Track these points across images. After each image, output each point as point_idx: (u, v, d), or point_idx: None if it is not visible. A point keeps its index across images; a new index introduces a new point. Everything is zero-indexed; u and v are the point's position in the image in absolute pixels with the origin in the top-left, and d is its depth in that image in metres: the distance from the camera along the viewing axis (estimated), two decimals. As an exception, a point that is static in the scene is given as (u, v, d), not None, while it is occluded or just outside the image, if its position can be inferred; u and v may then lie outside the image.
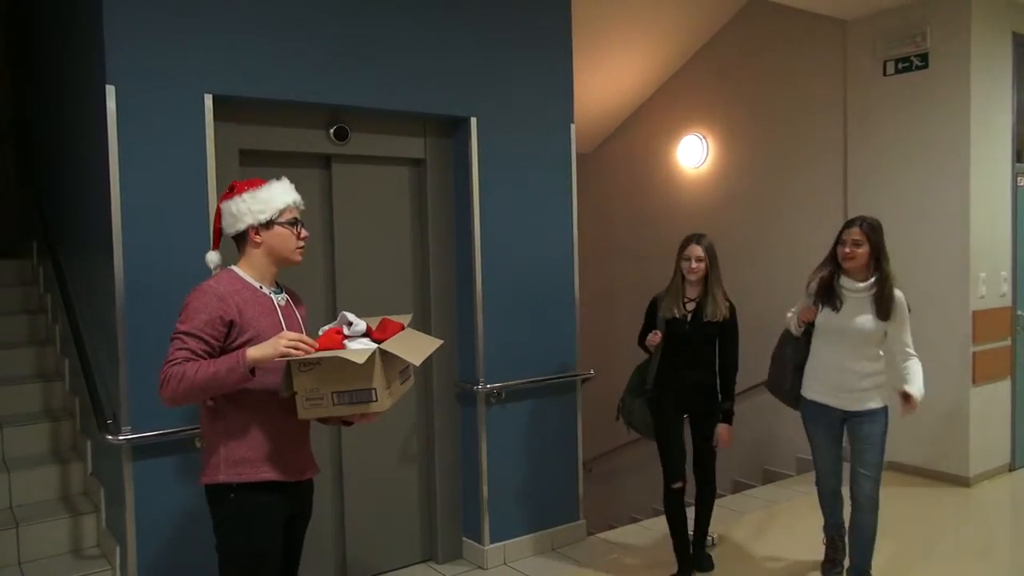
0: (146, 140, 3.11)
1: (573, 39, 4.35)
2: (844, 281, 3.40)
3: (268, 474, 2.36)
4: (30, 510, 3.61)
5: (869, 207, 5.60)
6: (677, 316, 3.69)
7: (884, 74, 5.49)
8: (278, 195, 2.41)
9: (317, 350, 2.23)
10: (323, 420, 2.44)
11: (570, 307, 4.35)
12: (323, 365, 2.23)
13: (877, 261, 3.34)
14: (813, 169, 5.97)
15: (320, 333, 2.35)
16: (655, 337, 3.68)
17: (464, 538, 4.19)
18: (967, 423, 5.20)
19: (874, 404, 3.45)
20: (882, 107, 5.52)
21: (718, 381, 3.75)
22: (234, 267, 2.43)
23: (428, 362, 4.07)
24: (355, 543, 3.93)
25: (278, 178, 2.48)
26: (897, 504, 4.94)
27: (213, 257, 2.49)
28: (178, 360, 2.22)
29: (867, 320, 3.36)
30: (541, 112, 4.22)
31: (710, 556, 3.96)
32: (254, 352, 2.20)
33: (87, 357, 3.58)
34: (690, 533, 3.84)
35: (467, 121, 3.97)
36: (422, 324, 4.08)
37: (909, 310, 3.37)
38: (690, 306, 3.71)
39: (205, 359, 2.24)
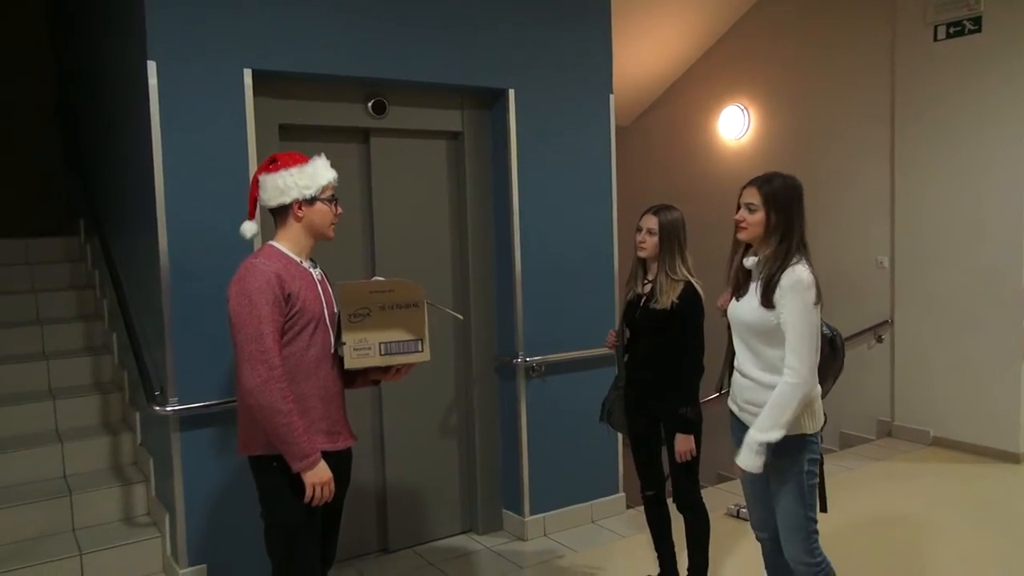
0: (187, 116, 3.15)
1: (612, 8, 4.28)
2: (747, 259, 2.55)
3: None
4: (83, 479, 3.72)
5: (917, 178, 5.48)
6: (631, 299, 3.26)
7: (934, 39, 5.32)
8: (322, 171, 2.46)
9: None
10: (364, 376, 2.57)
11: (609, 280, 4.32)
12: (373, 316, 2.36)
13: (779, 232, 2.44)
14: (859, 140, 5.83)
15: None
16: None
17: (504, 510, 4.22)
18: (1018, 398, 5.08)
19: None
20: (932, 74, 5.35)
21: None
22: (273, 242, 2.46)
23: (467, 336, 4.10)
24: (397, 514, 3.98)
25: (318, 154, 2.50)
26: (945, 480, 4.87)
27: (251, 227, 2.52)
28: (279, 368, 2.26)
29: (751, 307, 2.49)
30: (580, 83, 4.17)
31: None
32: (319, 467, 2.32)
33: (134, 331, 3.66)
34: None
35: (505, 93, 3.94)
36: (461, 297, 4.09)
37: (819, 300, 2.39)
38: (647, 288, 3.19)
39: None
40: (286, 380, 2.28)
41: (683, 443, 3.07)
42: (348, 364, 2.42)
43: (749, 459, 2.42)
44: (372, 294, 2.42)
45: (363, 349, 2.40)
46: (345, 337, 2.40)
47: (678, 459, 3.11)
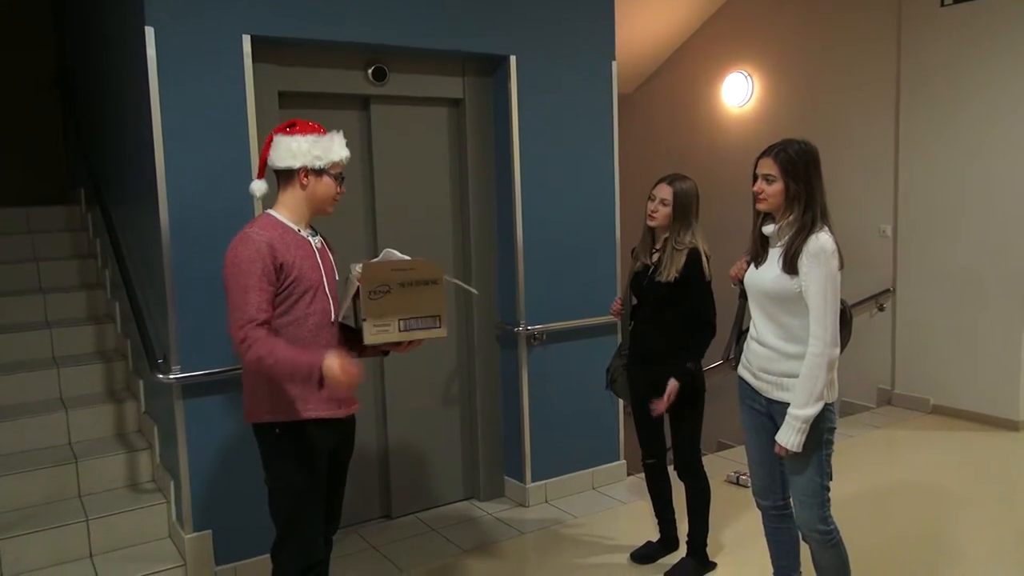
0: (186, 82, 3.12)
1: (615, -27, 4.22)
2: (765, 227, 2.56)
3: (311, 411, 2.41)
4: (88, 446, 3.75)
5: (921, 146, 5.44)
6: (638, 269, 3.26)
7: (941, 4, 5.26)
8: (336, 147, 2.47)
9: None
10: (375, 346, 2.55)
11: (611, 248, 4.31)
12: (393, 293, 2.42)
13: (802, 200, 2.44)
14: (863, 107, 5.78)
15: (358, 269, 2.44)
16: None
17: (506, 477, 4.25)
18: (1018, 366, 5.09)
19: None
20: (939, 40, 5.29)
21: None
22: (271, 211, 2.45)
23: (469, 304, 4.11)
24: (399, 481, 4.01)
25: (337, 130, 2.50)
26: (945, 448, 4.90)
27: (260, 186, 2.52)
28: (257, 322, 2.26)
29: (772, 275, 2.48)
30: (582, 50, 4.12)
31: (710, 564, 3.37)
32: (327, 371, 2.26)
33: (137, 300, 3.66)
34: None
35: (507, 59, 3.90)
36: (462, 265, 4.09)
37: (841, 266, 2.45)
38: (655, 258, 3.18)
39: (272, 312, 2.32)
40: (267, 337, 2.28)
41: (672, 387, 3.05)
42: (368, 340, 2.45)
43: (791, 437, 2.41)
44: (393, 272, 2.47)
45: (383, 325, 2.44)
46: (365, 313, 2.43)
47: (665, 397, 3.06)
